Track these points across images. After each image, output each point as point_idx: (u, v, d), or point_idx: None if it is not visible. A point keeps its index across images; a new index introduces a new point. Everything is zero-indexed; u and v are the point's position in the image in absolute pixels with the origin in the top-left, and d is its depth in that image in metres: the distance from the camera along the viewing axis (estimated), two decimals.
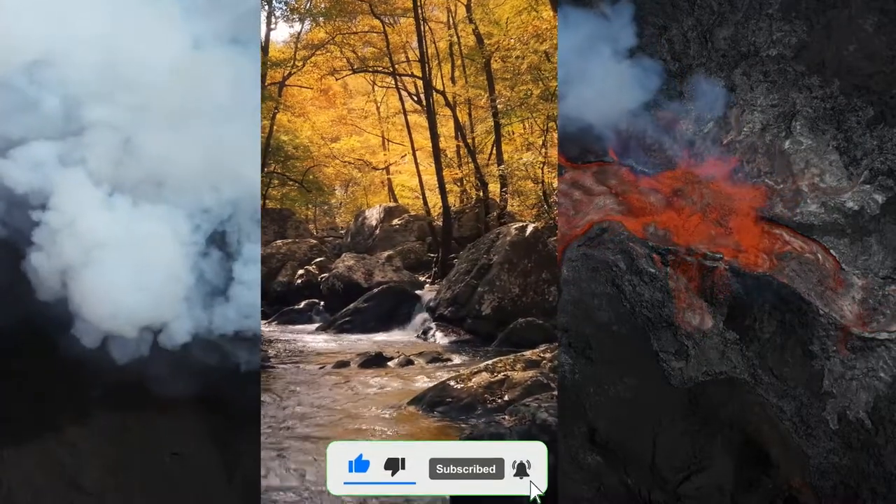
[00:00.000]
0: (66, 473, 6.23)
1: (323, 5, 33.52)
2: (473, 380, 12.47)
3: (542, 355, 13.29)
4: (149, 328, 6.19)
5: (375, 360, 16.90)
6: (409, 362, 16.96)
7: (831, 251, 6.84)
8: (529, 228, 23.55)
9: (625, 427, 6.81)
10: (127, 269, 6.03)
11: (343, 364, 16.72)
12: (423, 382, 14.35)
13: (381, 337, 22.32)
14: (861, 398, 6.68)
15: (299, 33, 36.86)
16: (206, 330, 6.41)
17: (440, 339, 21.29)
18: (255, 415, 6.90)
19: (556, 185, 27.18)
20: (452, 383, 12.53)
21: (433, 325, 22.23)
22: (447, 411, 11.73)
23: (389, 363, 16.94)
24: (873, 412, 6.66)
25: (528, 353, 13.80)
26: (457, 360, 17.70)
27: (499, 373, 12.57)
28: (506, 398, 11.69)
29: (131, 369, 6.14)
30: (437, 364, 17.08)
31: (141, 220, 6.20)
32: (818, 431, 6.69)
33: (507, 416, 9.20)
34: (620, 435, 6.81)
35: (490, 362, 13.29)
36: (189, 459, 6.51)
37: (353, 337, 22.32)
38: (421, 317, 23.56)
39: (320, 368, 16.50)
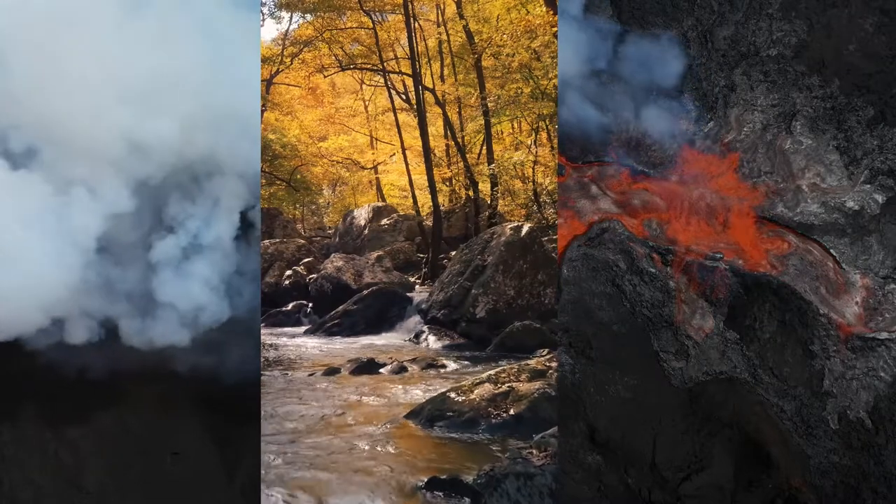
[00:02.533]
0: (67, 473, 6.33)
1: (311, 1, 33.62)
2: (475, 391, 11.90)
3: (547, 364, 12.80)
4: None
5: (367, 367, 16.60)
6: (402, 369, 16.63)
7: (831, 251, 6.99)
8: (525, 228, 23.33)
9: (625, 427, 6.96)
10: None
11: (334, 371, 16.41)
12: (419, 391, 14.00)
13: (371, 340, 22.23)
14: (861, 398, 6.82)
15: (287, 30, 37.11)
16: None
17: (433, 343, 21.07)
18: (256, 415, 7.02)
19: (546, 184, 27.35)
20: (453, 395, 11.96)
21: (425, 328, 22.05)
22: (448, 426, 11.15)
23: (382, 370, 16.60)
24: (873, 412, 6.80)
25: (532, 362, 13.39)
26: (452, 365, 17.39)
27: (502, 384, 11.99)
28: (511, 412, 11.18)
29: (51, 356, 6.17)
30: (433, 371, 16.73)
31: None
32: (818, 431, 6.83)
33: (534, 451, 9.02)
34: (621, 434, 6.95)
35: (493, 372, 12.74)
36: (189, 459, 6.62)
37: (343, 340, 22.31)
38: (413, 319, 23.55)
39: (310, 376, 16.15)
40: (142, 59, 6.14)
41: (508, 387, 11.85)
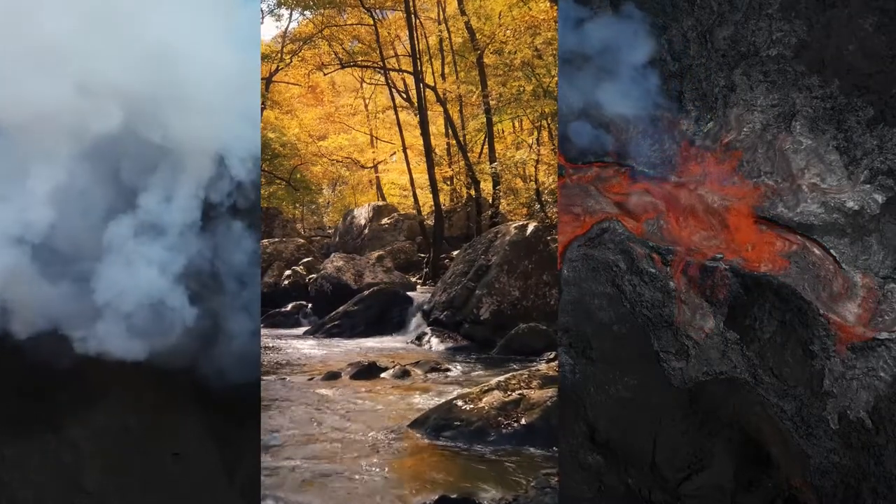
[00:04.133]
0: (68, 473, 6.43)
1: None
2: (484, 399, 11.41)
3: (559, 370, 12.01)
4: None
5: (368, 371, 16.35)
6: (405, 373, 16.36)
7: (831, 251, 7.10)
8: (530, 228, 23.04)
9: (625, 427, 7.09)
10: None
11: (334, 375, 16.13)
12: (423, 398, 13.70)
13: (372, 342, 22.01)
14: (861, 398, 6.95)
15: (286, 27, 37.28)
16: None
17: (436, 345, 20.85)
18: (256, 415, 7.13)
19: (549, 183, 27.35)
20: (460, 403, 11.50)
21: (428, 330, 21.85)
22: (456, 437, 10.75)
23: (384, 374, 16.36)
24: (874, 412, 6.93)
25: (543, 367, 12.99)
26: (457, 370, 17.11)
27: (512, 391, 11.53)
28: (523, 422, 10.74)
29: None
30: (436, 375, 16.47)
31: None
32: (818, 431, 6.97)
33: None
34: (621, 435, 7.09)
35: (502, 379, 12.25)
36: (189, 459, 6.72)
37: (343, 342, 22.11)
38: (415, 321, 23.32)
39: (309, 380, 15.86)
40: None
41: (519, 394, 11.46)
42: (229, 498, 6.84)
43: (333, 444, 10.88)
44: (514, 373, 12.72)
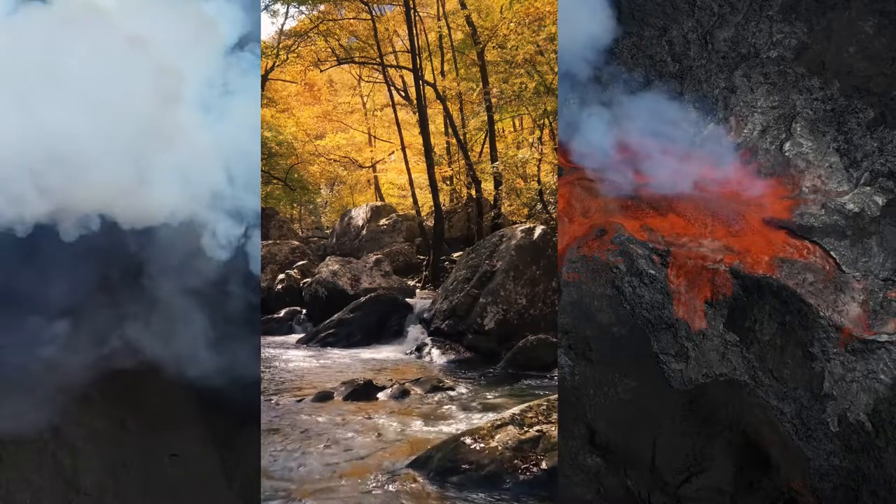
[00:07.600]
0: (65, 474, 6.70)
1: None
2: (496, 437, 10.02)
3: (558, 371, 9.38)
4: None
5: (364, 391, 15.24)
6: (404, 393, 15.29)
7: (832, 253, 7.40)
8: (537, 231, 22.15)
9: (625, 429, 7.38)
10: None
11: (326, 396, 14.93)
12: (424, 425, 12.59)
13: (369, 353, 21.31)
14: (861, 400, 7.24)
15: (283, 24, 37.63)
16: None
17: (437, 357, 20.00)
18: (256, 416, 7.41)
19: (551, 183, 27.44)
20: (468, 441, 10.06)
21: (428, 340, 21.08)
22: (465, 483, 9.28)
23: (381, 394, 15.28)
24: (873, 414, 7.22)
25: None
26: (461, 389, 16.05)
27: (529, 427, 10.16)
28: (543, 466, 9.24)
29: None
30: (438, 395, 15.39)
31: None
32: (818, 433, 7.26)
33: None
34: (620, 437, 7.37)
35: (516, 411, 10.76)
36: (188, 461, 6.99)
37: (338, 352, 21.48)
38: (414, 330, 22.67)
39: (298, 402, 14.59)
40: None
41: (537, 431, 10.08)
42: (228, 500, 7.08)
43: (318, 488, 9.58)
44: (531, 403, 11.26)
